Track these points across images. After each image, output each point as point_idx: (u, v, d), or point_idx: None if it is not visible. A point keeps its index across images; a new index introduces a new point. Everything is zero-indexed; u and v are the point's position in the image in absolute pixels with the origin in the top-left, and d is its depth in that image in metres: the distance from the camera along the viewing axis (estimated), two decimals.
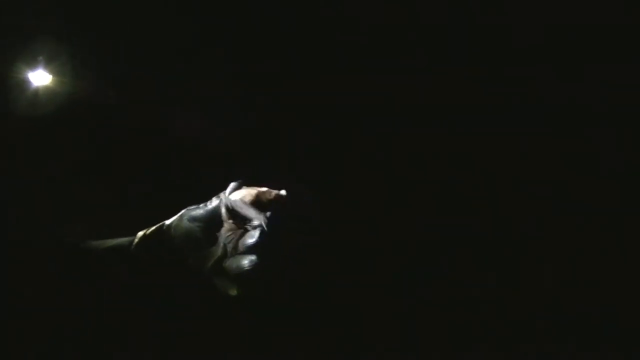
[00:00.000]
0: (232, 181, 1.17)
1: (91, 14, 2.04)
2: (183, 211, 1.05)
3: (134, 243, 1.03)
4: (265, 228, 0.94)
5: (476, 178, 2.08)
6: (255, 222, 0.96)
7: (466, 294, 1.89)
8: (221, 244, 0.99)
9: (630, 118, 2.02)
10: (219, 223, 1.00)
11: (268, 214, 0.96)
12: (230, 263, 0.96)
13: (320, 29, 2.14)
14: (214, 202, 1.03)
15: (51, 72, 2.03)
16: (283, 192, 0.96)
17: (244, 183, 1.03)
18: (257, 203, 0.96)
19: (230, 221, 0.97)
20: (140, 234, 1.05)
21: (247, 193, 0.99)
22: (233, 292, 0.96)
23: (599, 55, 2.04)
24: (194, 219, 1.03)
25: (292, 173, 2.00)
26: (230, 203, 0.98)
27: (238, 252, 0.96)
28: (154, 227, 1.05)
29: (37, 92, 2.01)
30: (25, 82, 2.01)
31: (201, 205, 1.04)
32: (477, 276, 1.95)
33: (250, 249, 0.95)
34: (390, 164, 2.13)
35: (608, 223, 1.97)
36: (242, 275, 0.93)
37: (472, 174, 2.09)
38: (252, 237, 0.96)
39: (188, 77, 2.12)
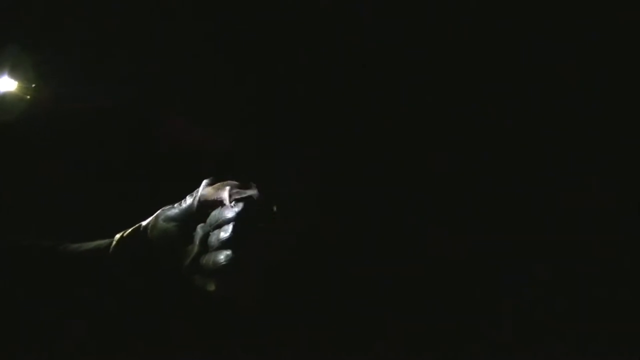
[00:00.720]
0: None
1: (56, 20, 2.05)
2: (158, 212, 1.04)
3: (112, 245, 1.03)
4: (238, 222, 0.93)
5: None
6: (229, 215, 0.96)
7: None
8: (197, 242, 0.99)
9: None
10: (195, 221, 1.00)
11: (240, 206, 0.95)
12: (207, 260, 0.96)
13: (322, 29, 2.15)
14: (187, 201, 1.03)
15: (16, 78, 2.02)
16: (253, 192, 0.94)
17: (216, 180, 1.03)
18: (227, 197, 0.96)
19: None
20: (118, 236, 1.05)
21: (219, 187, 0.99)
22: (212, 288, 0.95)
23: None
24: (169, 219, 1.02)
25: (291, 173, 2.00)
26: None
27: (212, 248, 0.96)
28: (130, 229, 1.05)
29: (2, 98, 2.00)
30: None
31: (175, 205, 1.04)
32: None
33: (224, 244, 0.94)
34: (390, 166, 2.13)
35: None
36: (219, 271, 0.93)
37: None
38: (225, 232, 0.95)
39: (166, 79, 2.12)
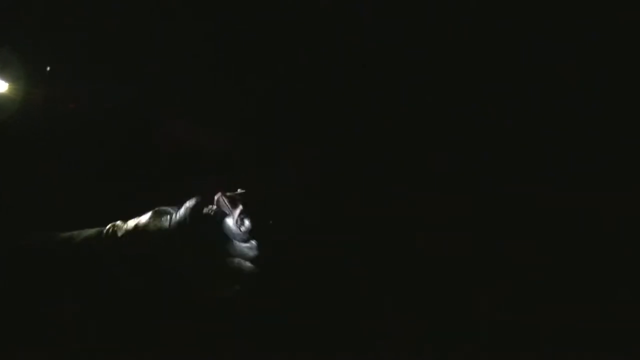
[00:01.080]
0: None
1: (47, 21, 2.04)
2: (152, 213, 1.04)
3: (104, 235, 1.03)
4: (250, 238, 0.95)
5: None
6: (242, 230, 0.96)
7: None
8: (198, 244, 0.98)
9: None
10: (189, 224, 1.00)
11: (247, 224, 0.96)
12: (228, 264, 0.96)
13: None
14: (181, 213, 1.02)
15: (7, 79, 2.02)
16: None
17: (206, 195, 1.02)
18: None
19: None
20: (109, 226, 1.05)
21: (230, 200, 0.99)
22: (217, 290, 0.95)
23: None
24: (163, 233, 1.04)
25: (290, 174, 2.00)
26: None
27: (233, 254, 0.96)
28: (124, 226, 1.05)
29: None
30: None
31: (170, 209, 1.04)
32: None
33: (249, 257, 0.95)
34: (390, 166, 2.13)
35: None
36: (242, 277, 0.93)
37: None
38: (252, 249, 0.96)
39: (166, 79, 2.12)
